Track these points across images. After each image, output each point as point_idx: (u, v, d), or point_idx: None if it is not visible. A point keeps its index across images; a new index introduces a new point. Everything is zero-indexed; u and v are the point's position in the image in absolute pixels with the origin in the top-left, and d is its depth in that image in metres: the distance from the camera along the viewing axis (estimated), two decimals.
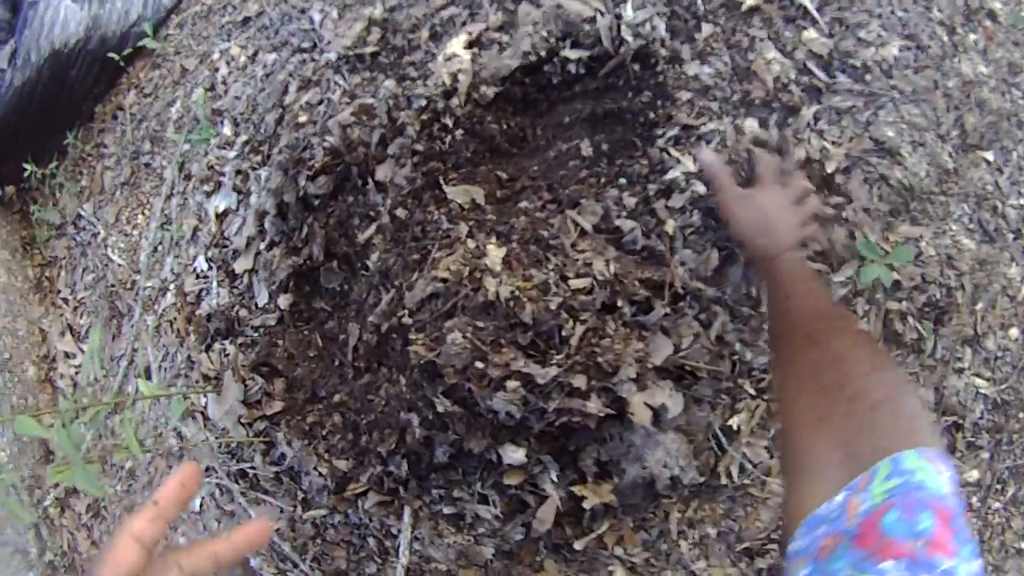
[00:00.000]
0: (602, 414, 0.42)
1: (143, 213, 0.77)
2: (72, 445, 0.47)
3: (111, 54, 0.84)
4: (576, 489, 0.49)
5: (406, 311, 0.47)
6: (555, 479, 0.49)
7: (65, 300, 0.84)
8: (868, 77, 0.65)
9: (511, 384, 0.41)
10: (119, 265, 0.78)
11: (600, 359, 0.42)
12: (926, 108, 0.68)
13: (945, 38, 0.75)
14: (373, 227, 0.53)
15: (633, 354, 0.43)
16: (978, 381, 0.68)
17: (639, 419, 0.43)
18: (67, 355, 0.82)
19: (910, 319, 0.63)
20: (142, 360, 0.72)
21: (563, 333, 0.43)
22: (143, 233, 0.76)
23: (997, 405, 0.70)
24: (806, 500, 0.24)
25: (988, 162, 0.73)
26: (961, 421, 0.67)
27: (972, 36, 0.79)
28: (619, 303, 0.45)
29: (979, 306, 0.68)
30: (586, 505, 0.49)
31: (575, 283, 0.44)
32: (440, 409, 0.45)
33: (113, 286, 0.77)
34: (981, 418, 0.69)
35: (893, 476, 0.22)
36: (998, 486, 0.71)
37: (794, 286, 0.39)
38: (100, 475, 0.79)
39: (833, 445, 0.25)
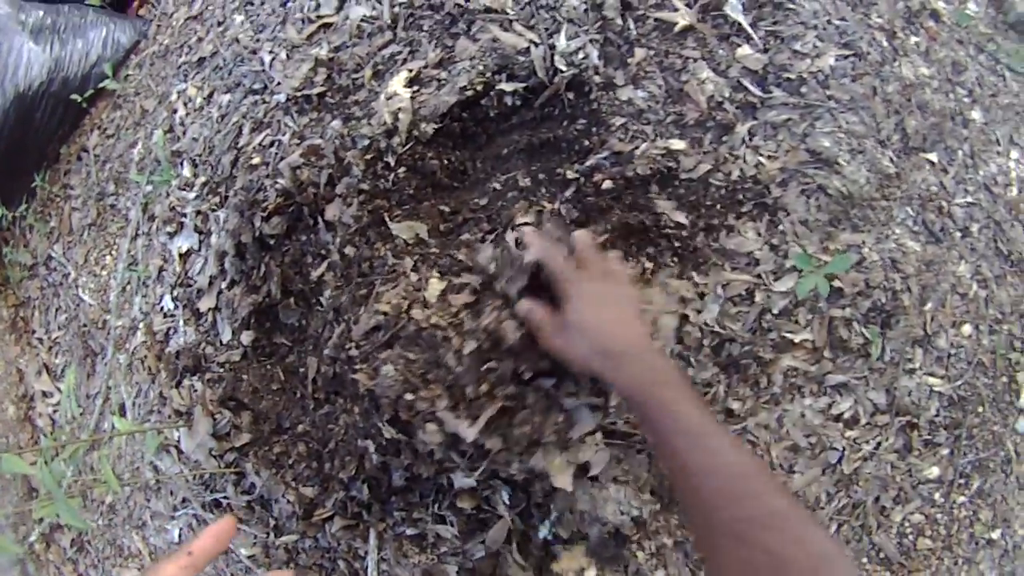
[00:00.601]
0: (521, 478, 0.46)
1: (111, 254, 0.82)
2: (54, 481, 0.51)
3: (74, 96, 0.89)
4: (554, 567, 0.53)
5: (353, 343, 0.52)
6: (507, 501, 0.54)
7: (40, 340, 0.88)
8: (804, 89, 0.69)
9: (431, 427, 0.45)
10: (90, 305, 0.82)
11: (517, 431, 0.44)
12: (864, 115, 0.72)
13: (885, 43, 0.79)
14: (324, 264, 0.58)
15: (552, 427, 0.45)
16: (931, 380, 0.72)
17: (560, 483, 0.47)
18: (44, 394, 0.87)
19: (855, 324, 0.67)
20: (116, 398, 0.76)
21: (480, 390, 0.43)
22: (111, 273, 0.81)
23: (954, 401, 0.74)
24: None
25: (932, 163, 0.77)
26: (916, 420, 0.71)
27: (914, 39, 0.83)
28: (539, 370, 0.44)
29: (928, 306, 0.72)
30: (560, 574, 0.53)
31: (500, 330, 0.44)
32: (387, 435, 0.50)
33: (85, 326, 0.82)
34: (937, 415, 0.73)
35: None
36: (961, 480, 0.75)
37: (686, 435, 0.32)
38: (81, 510, 0.84)
39: None
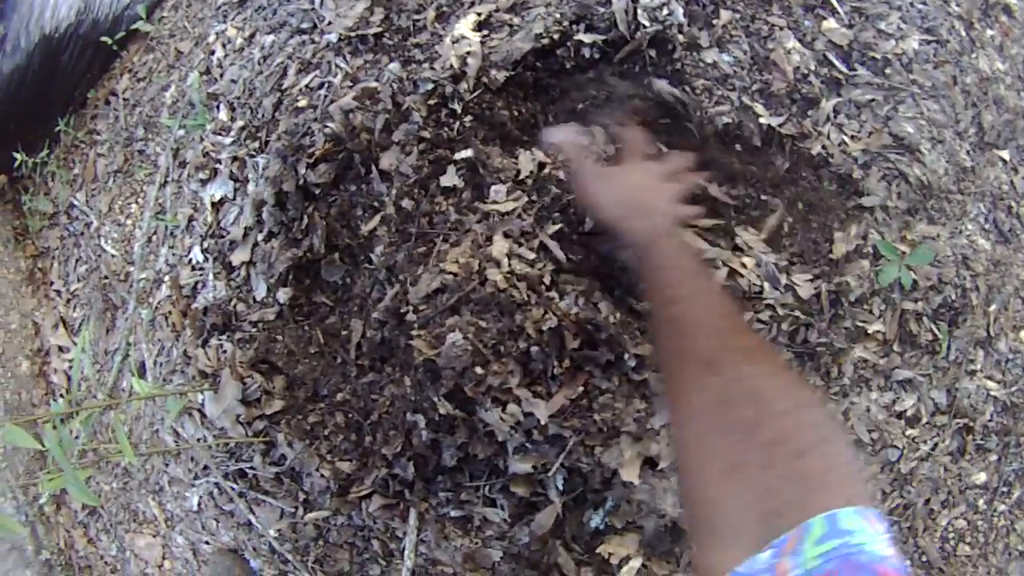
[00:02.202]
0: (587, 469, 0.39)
1: (137, 202, 0.72)
2: (63, 453, 0.42)
3: (104, 38, 0.78)
4: (601, 549, 0.46)
5: (410, 307, 0.43)
6: (560, 487, 0.46)
7: (58, 292, 0.78)
8: (888, 71, 0.61)
9: (511, 408, 0.37)
10: (112, 256, 0.72)
11: (598, 416, 0.38)
12: (945, 104, 0.64)
13: (963, 32, 0.71)
14: (377, 218, 0.49)
15: (633, 414, 0.39)
16: (989, 384, 0.65)
17: (627, 475, 0.40)
18: (60, 349, 0.77)
19: (925, 320, 0.60)
20: (136, 356, 0.67)
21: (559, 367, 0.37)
22: (137, 223, 0.71)
23: (1006, 408, 0.67)
24: (721, 562, 0.20)
25: (1004, 161, 0.69)
26: (972, 424, 0.64)
27: (989, 32, 0.75)
28: (624, 355, 0.39)
29: (992, 308, 0.65)
30: (612, 560, 0.45)
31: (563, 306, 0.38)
32: (442, 411, 0.41)
33: (106, 278, 0.72)
34: (991, 420, 0.66)
35: (829, 538, 0.18)
36: (1004, 488, 0.68)
37: (680, 285, 0.30)
38: (96, 473, 0.75)
39: (751, 499, 0.21)
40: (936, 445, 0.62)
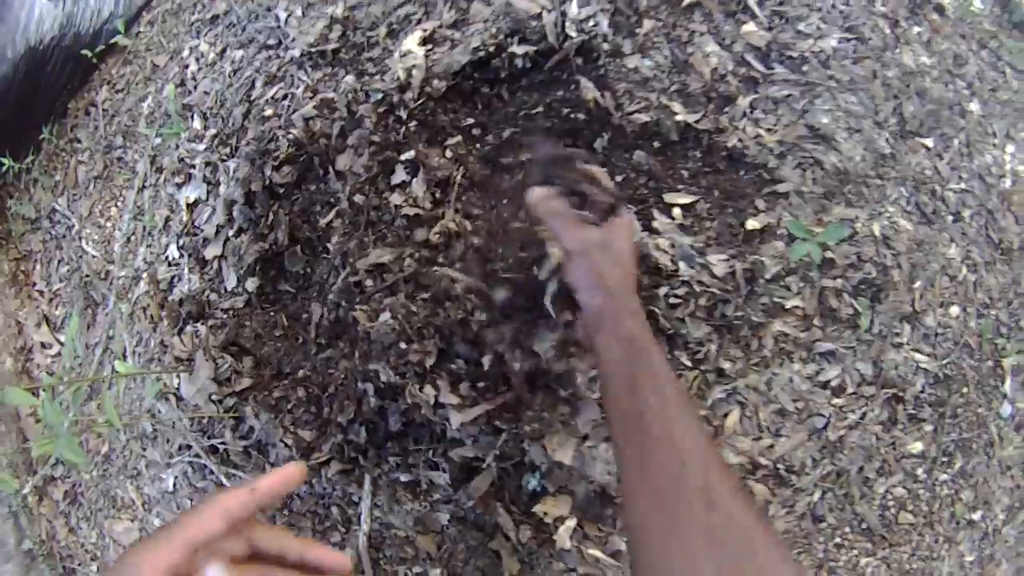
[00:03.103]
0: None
1: (116, 205, 0.85)
2: (57, 414, 0.53)
3: (84, 51, 0.91)
4: (537, 509, 0.56)
5: (358, 285, 0.55)
6: (497, 453, 0.57)
7: (41, 292, 0.91)
8: (805, 68, 0.73)
9: (427, 390, 0.48)
10: (93, 256, 0.85)
11: (526, 427, 0.47)
12: (864, 96, 0.76)
13: (887, 31, 0.83)
14: (333, 212, 0.61)
15: (559, 418, 0.47)
16: (918, 356, 0.76)
17: (560, 457, 0.49)
18: (43, 345, 0.89)
19: (845, 296, 0.71)
20: (117, 347, 0.79)
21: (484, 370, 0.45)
22: (116, 224, 0.83)
23: (939, 380, 0.78)
24: None
25: (928, 148, 0.81)
26: (901, 394, 0.75)
27: (916, 29, 0.87)
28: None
29: (917, 284, 0.76)
30: (547, 520, 0.56)
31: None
32: (383, 379, 0.53)
33: (88, 276, 0.84)
34: (923, 392, 0.77)
35: None
36: (944, 458, 0.79)
37: (654, 393, 0.30)
38: (78, 462, 0.86)
39: None
40: (865, 414, 0.72)
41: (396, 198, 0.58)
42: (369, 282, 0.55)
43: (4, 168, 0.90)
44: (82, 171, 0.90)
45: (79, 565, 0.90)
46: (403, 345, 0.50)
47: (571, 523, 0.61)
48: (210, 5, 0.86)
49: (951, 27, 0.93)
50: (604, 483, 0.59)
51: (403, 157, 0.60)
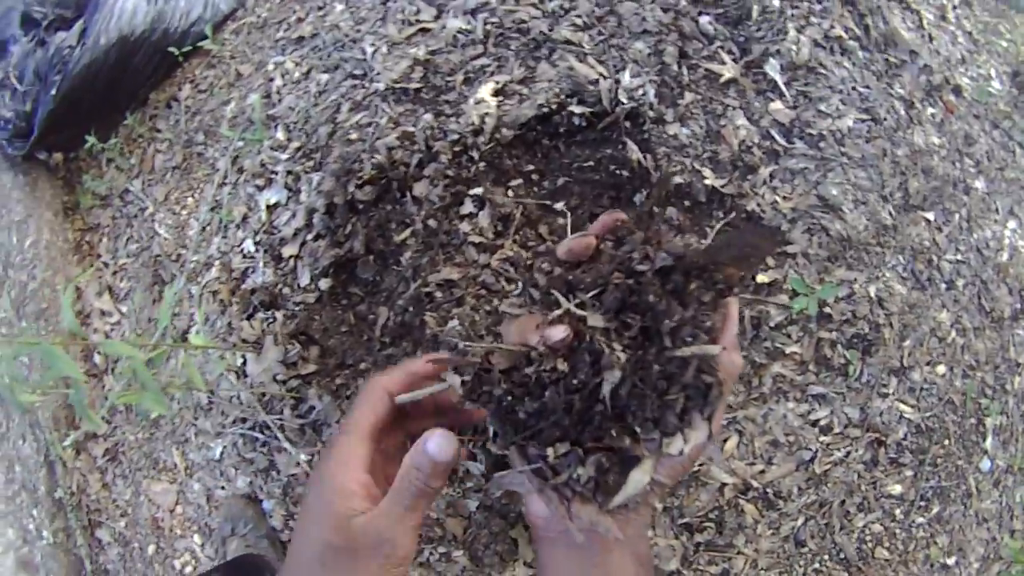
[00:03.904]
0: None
1: (193, 196, 1.04)
2: (147, 370, 0.71)
3: (172, 48, 1.12)
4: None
5: (428, 295, 0.75)
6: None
7: (105, 264, 1.10)
8: (822, 144, 0.94)
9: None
10: (165, 239, 1.04)
11: None
12: (872, 172, 0.96)
13: (902, 112, 1.04)
14: (408, 231, 0.81)
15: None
16: (902, 406, 0.96)
17: None
18: (103, 312, 1.08)
19: (839, 347, 0.90)
20: (181, 324, 0.98)
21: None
22: (192, 214, 1.03)
23: (921, 430, 0.97)
24: None
25: (928, 221, 1.02)
26: (884, 438, 0.94)
27: (931, 110, 1.09)
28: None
29: (907, 343, 0.96)
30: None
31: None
32: None
33: (159, 256, 1.04)
34: (905, 439, 0.96)
35: None
36: (922, 503, 0.98)
37: None
38: (124, 424, 1.05)
39: None
40: (849, 453, 0.92)
41: (464, 226, 0.79)
42: (439, 294, 0.75)
43: (87, 145, 1.10)
44: (160, 159, 1.10)
45: (106, 519, 1.08)
46: (464, 345, 0.70)
47: None
48: (296, 26, 1.07)
49: (966, 107, 1.15)
50: None
51: (472, 192, 0.81)
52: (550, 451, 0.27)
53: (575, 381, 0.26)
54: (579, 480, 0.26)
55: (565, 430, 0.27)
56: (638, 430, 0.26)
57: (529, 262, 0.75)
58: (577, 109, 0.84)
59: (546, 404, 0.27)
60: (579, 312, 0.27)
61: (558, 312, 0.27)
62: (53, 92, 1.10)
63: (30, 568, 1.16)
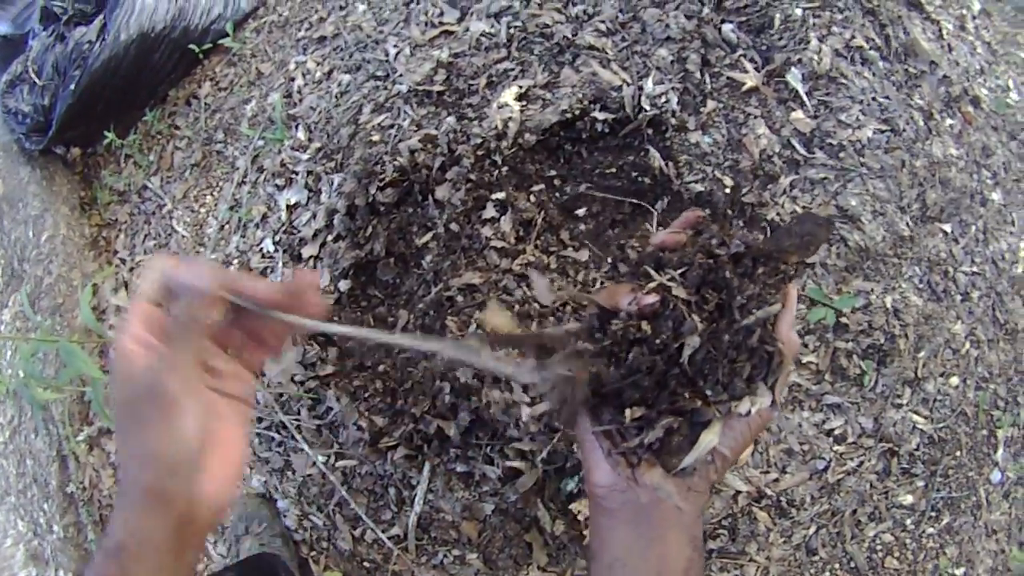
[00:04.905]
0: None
1: (212, 194, 1.05)
2: None
3: (192, 45, 1.12)
4: (572, 507, 0.76)
5: (449, 299, 0.75)
6: (544, 456, 0.76)
7: (122, 260, 1.10)
8: (842, 154, 0.94)
9: (496, 394, 0.68)
10: (183, 236, 1.05)
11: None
12: (891, 183, 0.96)
13: (921, 123, 1.04)
14: (429, 235, 0.81)
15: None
16: (916, 417, 0.96)
17: None
18: (119, 308, 1.08)
19: (855, 357, 0.91)
20: None
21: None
22: (211, 212, 1.03)
23: (934, 441, 0.98)
24: None
25: (945, 233, 1.02)
26: (896, 448, 0.94)
27: (949, 121, 1.09)
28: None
29: (921, 354, 0.96)
30: (580, 518, 0.76)
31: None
32: (462, 380, 0.72)
33: (176, 254, 1.04)
34: (917, 449, 0.96)
35: None
36: (932, 513, 0.98)
37: None
38: None
39: None
40: (862, 463, 0.92)
41: (487, 231, 0.79)
42: (460, 298, 0.75)
43: (106, 141, 1.10)
44: (179, 156, 1.10)
45: None
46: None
47: None
48: (318, 26, 1.07)
49: (984, 119, 1.15)
50: None
51: (494, 196, 0.81)
52: (627, 413, 0.29)
53: (658, 341, 0.28)
54: (647, 444, 0.28)
55: (644, 392, 0.29)
56: (709, 393, 0.28)
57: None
58: (600, 115, 0.84)
59: (631, 364, 0.28)
60: (668, 284, 0.30)
61: (652, 284, 0.30)
62: (72, 87, 1.10)
63: (39, 561, 1.17)
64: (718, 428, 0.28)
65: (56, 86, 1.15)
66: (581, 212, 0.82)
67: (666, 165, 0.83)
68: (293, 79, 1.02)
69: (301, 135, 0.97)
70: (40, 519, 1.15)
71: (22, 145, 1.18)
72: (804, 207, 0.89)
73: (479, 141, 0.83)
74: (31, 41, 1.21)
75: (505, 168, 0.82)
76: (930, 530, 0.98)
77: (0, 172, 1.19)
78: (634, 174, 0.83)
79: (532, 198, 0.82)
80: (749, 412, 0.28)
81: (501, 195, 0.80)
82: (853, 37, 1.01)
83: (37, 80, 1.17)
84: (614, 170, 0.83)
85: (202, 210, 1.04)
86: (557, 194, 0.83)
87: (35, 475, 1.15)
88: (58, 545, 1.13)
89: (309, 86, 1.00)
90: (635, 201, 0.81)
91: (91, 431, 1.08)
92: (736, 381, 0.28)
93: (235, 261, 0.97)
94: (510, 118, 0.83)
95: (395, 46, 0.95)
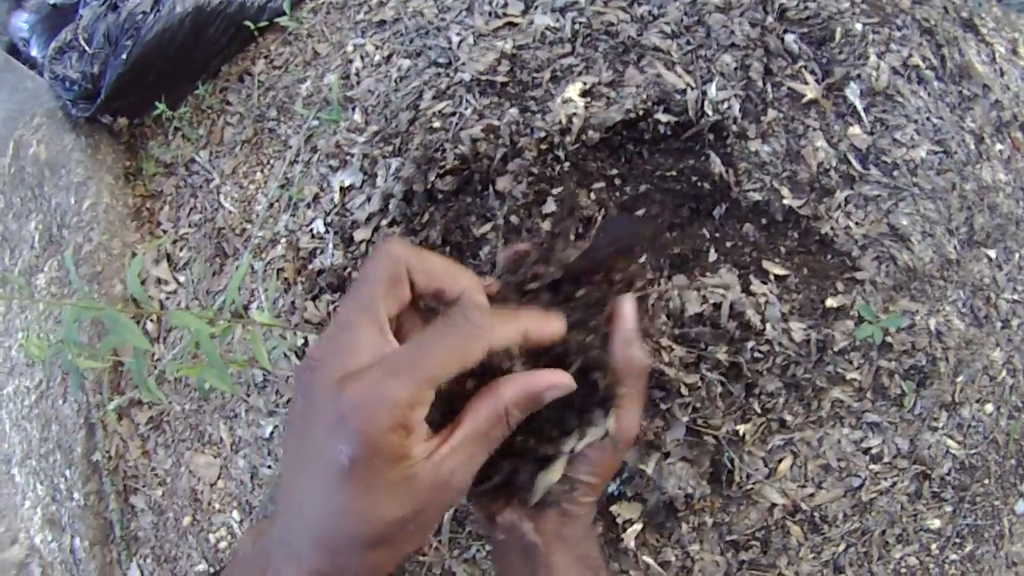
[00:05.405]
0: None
1: (262, 171, 1.04)
2: (212, 345, 0.71)
3: (247, 22, 1.12)
4: (612, 509, 0.76)
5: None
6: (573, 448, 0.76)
7: (164, 232, 1.10)
8: (896, 173, 0.94)
9: None
10: (230, 212, 1.04)
11: None
12: (941, 205, 0.97)
13: (972, 146, 1.04)
14: (488, 226, 0.81)
15: (652, 430, 0.66)
16: (950, 441, 0.96)
17: (645, 467, 0.67)
18: (160, 280, 1.08)
19: (896, 377, 0.91)
20: (240, 299, 0.98)
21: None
22: (260, 189, 1.03)
23: (965, 467, 0.98)
24: None
25: (990, 258, 1.02)
26: (929, 472, 0.95)
27: (999, 146, 1.09)
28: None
29: (960, 378, 0.96)
30: (618, 520, 0.76)
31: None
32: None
33: (222, 229, 1.04)
34: (948, 474, 0.97)
35: None
36: (957, 540, 0.98)
37: None
38: (173, 394, 1.05)
39: None
40: (895, 484, 0.92)
41: (547, 225, 0.79)
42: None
43: (155, 113, 1.10)
44: (229, 132, 1.10)
45: (143, 486, 1.08)
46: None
47: (638, 527, 0.80)
48: (378, 9, 1.06)
49: None
50: (673, 496, 0.79)
51: (555, 191, 0.80)
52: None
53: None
54: (494, 489, 0.27)
55: None
56: (543, 432, 0.27)
57: None
58: (663, 117, 0.83)
59: None
60: None
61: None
62: (124, 56, 1.09)
63: (56, 526, 1.17)
64: (559, 465, 0.27)
65: (107, 55, 1.15)
66: (640, 213, 0.82)
67: (726, 172, 0.82)
68: (351, 61, 1.02)
69: (358, 117, 0.97)
70: (61, 485, 1.15)
71: (68, 111, 1.17)
72: (857, 223, 0.89)
73: (542, 135, 0.82)
74: (82, 10, 1.20)
75: (567, 164, 0.82)
76: (953, 556, 0.98)
77: (44, 137, 1.18)
78: (694, 179, 0.83)
79: (592, 195, 0.81)
80: (573, 450, 0.27)
81: (562, 190, 0.80)
82: (910, 55, 1.01)
83: (87, 48, 1.17)
84: (674, 173, 0.83)
85: (251, 187, 1.04)
86: (617, 193, 0.83)
87: (59, 441, 1.15)
88: (77, 512, 1.13)
89: (367, 69, 1.00)
90: (694, 205, 0.81)
91: (121, 400, 1.08)
92: (568, 416, 0.27)
93: (283, 240, 0.97)
94: (574, 114, 0.83)
95: (458, 34, 0.95)
